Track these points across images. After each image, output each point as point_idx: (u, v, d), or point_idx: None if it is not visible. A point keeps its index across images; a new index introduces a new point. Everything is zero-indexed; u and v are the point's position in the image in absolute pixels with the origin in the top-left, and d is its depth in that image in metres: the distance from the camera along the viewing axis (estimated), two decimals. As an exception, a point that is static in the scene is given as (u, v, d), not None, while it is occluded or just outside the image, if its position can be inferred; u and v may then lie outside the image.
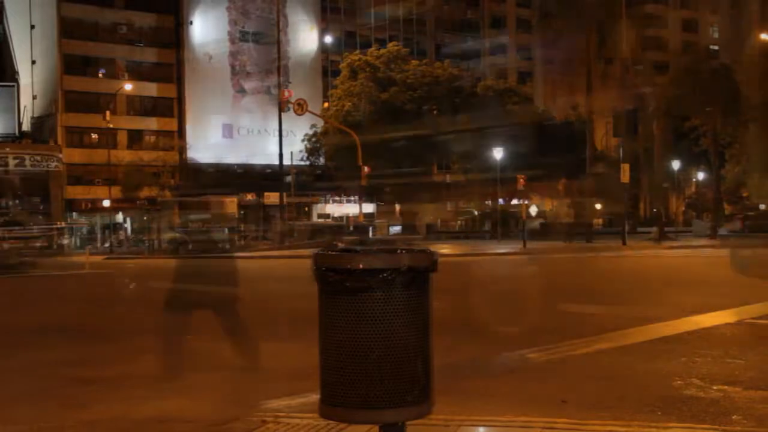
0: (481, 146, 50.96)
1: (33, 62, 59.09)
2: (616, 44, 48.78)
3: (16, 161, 53.36)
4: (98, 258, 38.01)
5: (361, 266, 3.30)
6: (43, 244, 47.71)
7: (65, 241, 50.39)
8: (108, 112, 51.99)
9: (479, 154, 52.81)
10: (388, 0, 71.75)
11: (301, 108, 39.87)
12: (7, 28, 58.41)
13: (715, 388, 5.99)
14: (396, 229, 54.51)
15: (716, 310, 10.31)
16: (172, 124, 61.50)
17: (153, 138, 61.14)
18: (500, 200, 55.34)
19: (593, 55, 53.41)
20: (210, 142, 61.19)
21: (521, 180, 47.58)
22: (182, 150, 59.66)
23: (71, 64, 58.20)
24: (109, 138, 55.67)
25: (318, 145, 55.07)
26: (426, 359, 3.44)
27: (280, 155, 44.66)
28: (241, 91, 63.66)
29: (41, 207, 53.15)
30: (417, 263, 3.38)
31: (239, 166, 61.45)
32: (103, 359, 8.23)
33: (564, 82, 62.28)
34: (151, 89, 61.09)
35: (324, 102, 60.17)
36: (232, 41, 63.35)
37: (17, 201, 52.46)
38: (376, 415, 3.36)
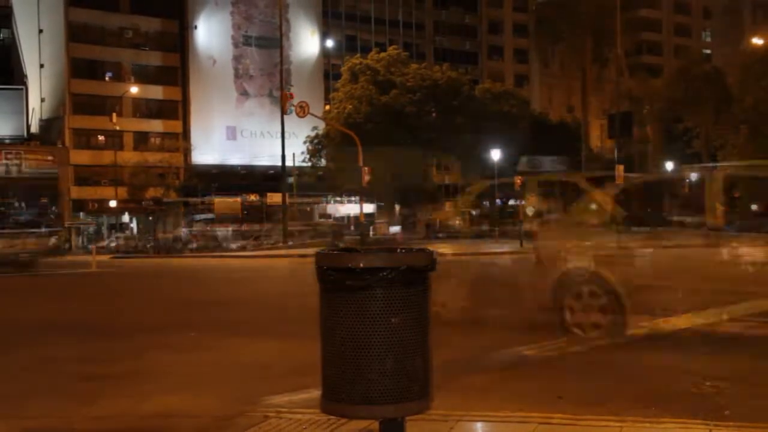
0: (479, 147, 51.81)
1: (41, 66, 59.82)
2: (611, 48, 49.55)
3: (25, 162, 54.21)
4: (105, 257, 38.47)
5: (361, 265, 3.32)
6: (52, 243, 48.57)
7: (72, 241, 51.29)
8: (114, 115, 52.71)
9: (478, 155, 53.70)
10: (388, 4, 72.73)
11: (302, 110, 40.15)
12: (15, 33, 59.20)
13: (708, 384, 6.02)
14: (396, 229, 55.30)
15: (709, 308, 10.30)
16: (176, 127, 62.10)
17: (158, 140, 61.76)
18: (498, 200, 56.14)
19: (588, 59, 54.43)
20: (214, 143, 62.05)
21: (518, 180, 48.42)
22: (187, 152, 60.48)
23: (78, 68, 58.90)
24: (115, 140, 56.40)
25: (320, 146, 55.71)
26: (425, 356, 3.46)
27: (283, 157, 45.33)
28: (245, 94, 64.51)
29: (49, 207, 53.94)
30: (416, 262, 3.41)
31: (242, 167, 62.40)
32: (109, 356, 8.25)
33: (560, 85, 63.24)
34: (156, 92, 61.82)
35: (325, 104, 60.91)
36: (236, 45, 64.13)
37: (25, 201, 53.19)
38: (377, 410, 3.38)
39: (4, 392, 6.60)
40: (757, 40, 49.25)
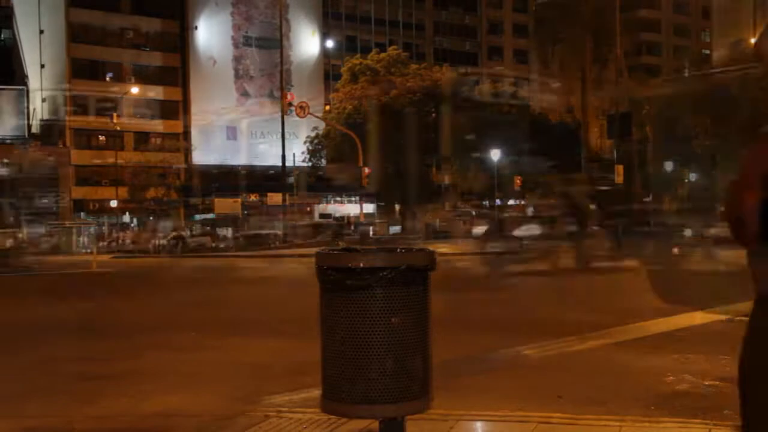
0: (478, 148, 51.94)
1: (42, 66, 59.99)
2: (610, 48, 49.60)
3: (26, 162, 54.38)
4: (105, 257, 38.60)
5: (361, 265, 3.32)
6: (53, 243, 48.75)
7: (73, 240, 51.37)
8: (115, 115, 52.96)
9: (477, 155, 53.84)
10: (388, 4, 72.87)
11: (302, 111, 40.36)
12: (16, 33, 59.36)
13: (706, 383, 6.04)
14: (396, 229, 55.36)
15: (707, 308, 10.38)
16: (177, 127, 62.32)
17: (159, 140, 62.03)
18: (497, 201, 56.28)
19: (588, 59, 54.44)
20: (214, 144, 62.26)
21: (518, 181, 48.56)
22: (187, 152, 60.69)
23: (79, 68, 59.13)
24: (116, 140, 56.72)
25: (320, 146, 55.88)
26: (425, 355, 3.46)
27: (283, 157, 45.47)
28: (245, 94, 64.72)
29: (50, 207, 54.10)
30: (416, 262, 3.41)
31: (243, 167, 62.61)
32: (109, 355, 8.27)
33: (559, 86, 63.22)
34: (157, 92, 61.98)
35: (325, 105, 61.12)
36: (236, 46, 64.37)
37: (27, 201, 53.34)
38: (377, 409, 3.38)
39: (4, 392, 6.58)
40: (755, 40, 49.27)
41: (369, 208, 62.02)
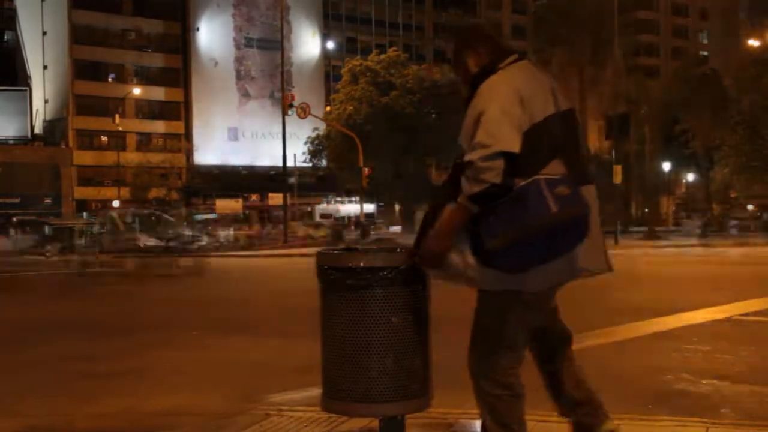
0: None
1: (45, 67, 60.32)
2: (608, 50, 49.81)
3: (29, 162, 54.71)
4: (108, 256, 38.77)
5: (362, 264, 3.31)
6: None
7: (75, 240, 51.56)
8: (117, 116, 53.22)
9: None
10: (388, 6, 73.13)
11: (303, 111, 40.48)
12: (19, 35, 59.68)
13: (705, 382, 6.02)
14: (396, 228, 55.52)
15: (705, 307, 10.38)
16: (179, 127, 62.63)
17: (160, 140, 62.33)
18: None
19: (586, 60, 54.69)
20: (216, 144, 62.50)
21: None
22: (189, 152, 60.93)
23: (82, 69, 59.44)
24: (118, 140, 56.99)
25: (320, 147, 56.05)
26: (425, 354, 3.46)
27: (284, 157, 45.63)
28: (246, 95, 64.96)
29: (52, 207, 54.41)
30: None
31: (244, 167, 62.83)
32: (111, 354, 8.23)
33: (558, 87, 63.17)
34: (158, 93, 62.33)
35: (326, 105, 61.33)
36: (237, 47, 64.64)
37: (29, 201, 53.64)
38: (377, 408, 3.38)
39: (5, 390, 6.61)
40: (753, 42, 49.49)
41: (369, 208, 62.30)
